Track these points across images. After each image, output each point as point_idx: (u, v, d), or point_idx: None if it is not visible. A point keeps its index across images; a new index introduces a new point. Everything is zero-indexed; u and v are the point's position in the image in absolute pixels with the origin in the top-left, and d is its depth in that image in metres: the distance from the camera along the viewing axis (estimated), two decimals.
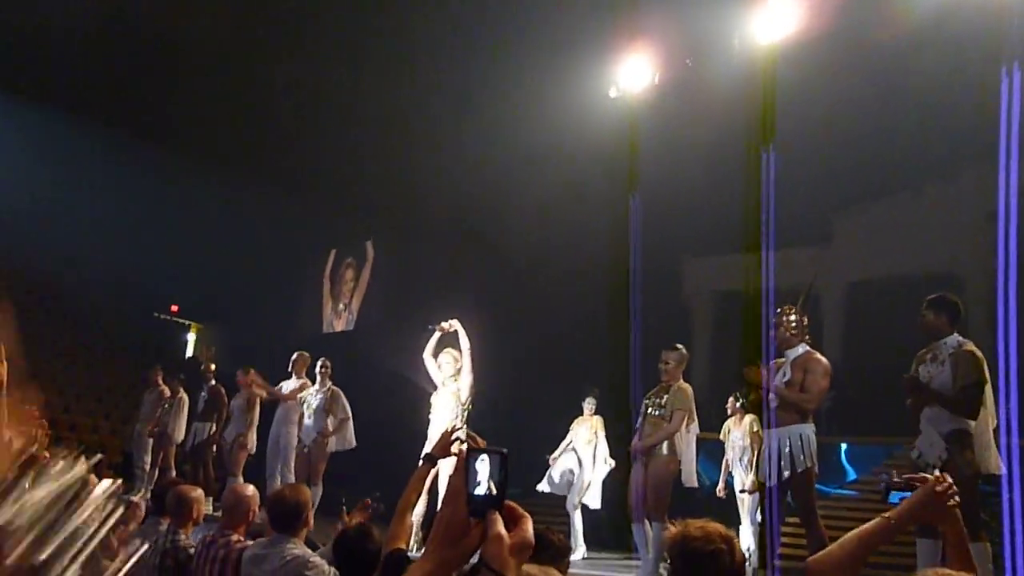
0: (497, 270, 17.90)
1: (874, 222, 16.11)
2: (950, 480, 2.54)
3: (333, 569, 4.20)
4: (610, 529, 10.50)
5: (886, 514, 2.55)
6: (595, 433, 9.80)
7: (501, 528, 1.39)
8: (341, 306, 22.33)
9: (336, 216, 21.08)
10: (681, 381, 7.31)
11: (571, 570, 8.16)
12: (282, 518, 4.33)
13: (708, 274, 17.56)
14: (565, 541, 3.78)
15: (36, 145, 18.96)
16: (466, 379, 7.89)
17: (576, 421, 10.05)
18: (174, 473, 11.21)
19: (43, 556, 1.53)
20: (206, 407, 11.13)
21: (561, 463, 9.84)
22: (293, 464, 9.93)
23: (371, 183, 18.93)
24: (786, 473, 6.03)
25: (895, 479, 2.66)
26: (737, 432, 9.33)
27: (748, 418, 8.92)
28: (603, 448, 9.75)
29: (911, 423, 5.97)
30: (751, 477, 8.74)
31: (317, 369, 10.03)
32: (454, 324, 8.03)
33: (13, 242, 18.44)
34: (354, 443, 10.05)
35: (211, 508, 8.14)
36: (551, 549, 3.48)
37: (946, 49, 11.93)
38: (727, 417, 9.62)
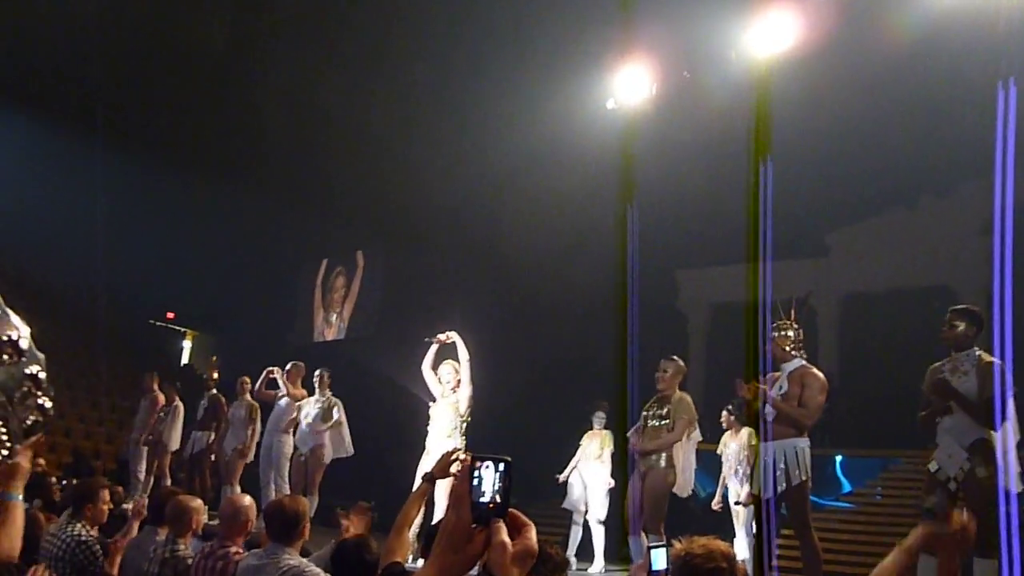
0: (494, 281, 17.90)
1: (869, 235, 16.16)
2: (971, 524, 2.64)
3: None
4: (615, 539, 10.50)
5: (903, 546, 2.62)
6: (603, 448, 9.79)
7: (505, 536, 1.40)
8: (333, 315, 22.32)
9: (331, 225, 21.08)
10: (679, 391, 7.32)
11: None
12: (280, 528, 4.32)
13: (705, 286, 17.60)
14: (563, 554, 3.79)
15: (30, 151, 18.95)
16: (465, 391, 7.88)
17: (586, 436, 10.03)
18: (169, 481, 11.18)
19: None
20: (205, 416, 11.09)
21: (577, 479, 9.88)
22: (287, 473, 9.89)
23: (367, 193, 18.95)
24: (781, 486, 6.03)
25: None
26: (734, 444, 9.33)
27: (745, 431, 8.92)
28: (608, 463, 9.73)
29: (923, 434, 5.94)
30: (746, 489, 8.75)
31: (315, 378, 10.00)
32: (452, 336, 8.02)
33: (6, 247, 18.43)
34: (351, 451, 10.02)
35: (207, 517, 8.12)
36: (549, 563, 3.49)
37: (942, 63, 11.99)
38: (723, 430, 9.62)
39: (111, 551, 5.18)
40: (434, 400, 8.06)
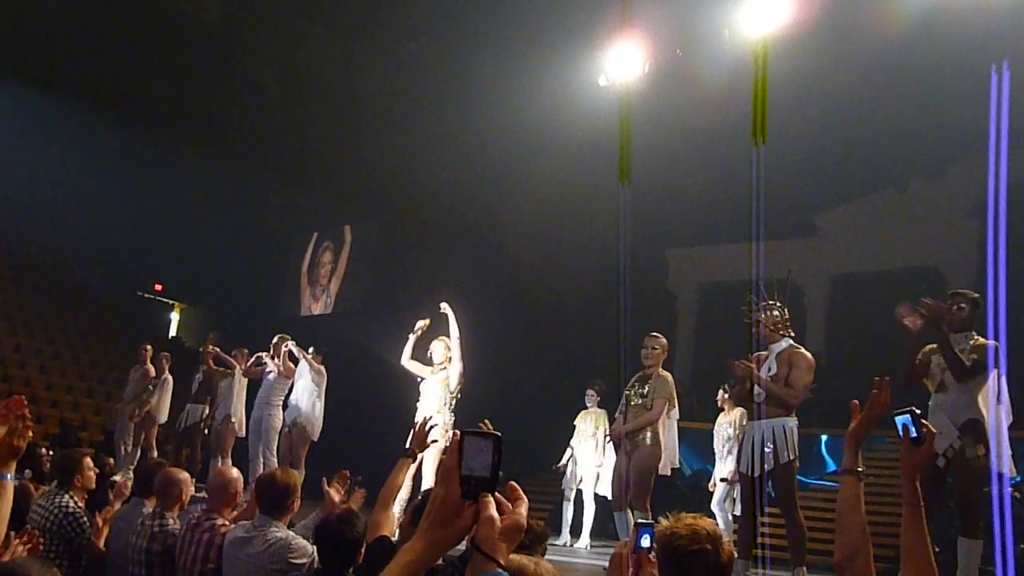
0: (485, 257, 17.89)
1: (860, 216, 16.20)
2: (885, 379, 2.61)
3: (314, 549, 4.21)
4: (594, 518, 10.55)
5: (840, 471, 2.60)
6: (597, 427, 9.81)
7: (493, 511, 1.41)
8: (319, 289, 22.31)
9: (321, 199, 21.04)
10: (661, 369, 7.33)
11: (569, 558, 8.25)
12: (271, 501, 4.32)
13: (694, 265, 17.62)
14: (543, 526, 3.81)
15: (18, 124, 18.82)
16: (455, 367, 7.87)
17: (580, 416, 10.05)
18: (155, 453, 11.18)
19: None
20: (200, 389, 11.09)
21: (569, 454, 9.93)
22: (275, 447, 9.90)
23: (357, 168, 18.90)
24: (769, 465, 6.06)
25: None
26: (724, 422, 9.36)
27: (737, 410, 8.94)
28: (600, 442, 9.76)
29: (901, 387, 5.93)
30: (730, 467, 8.79)
31: (308, 352, 9.97)
32: (445, 308, 7.99)
33: None
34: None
35: (193, 489, 8.13)
36: (529, 533, 3.50)
37: (935, 46, 11.98)
38: (719, 409, 9.64)
39: (98, 525, 5.18)
40: (423, 376, 8.06)
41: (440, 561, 3.41)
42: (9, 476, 3.09)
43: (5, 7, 16.21)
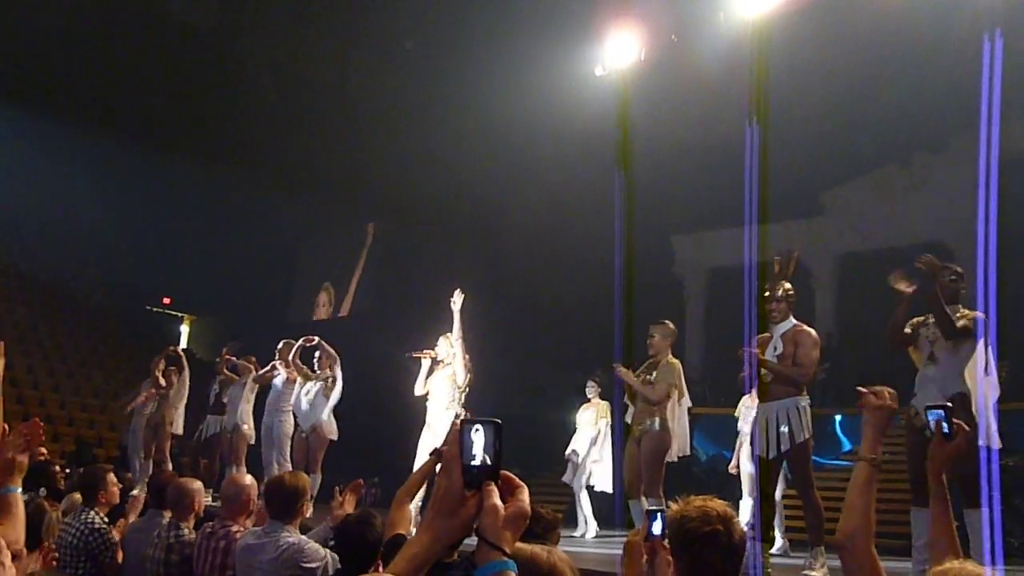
0: (487, 250, 17.89)
1: (864, 193, 16.13)
2: (886, 391, 2.60)
3: (328, 552, 4.20)
4: (612, 506, 10.53)
5: (854, 456, 2.62)
6: (599, 419, 9.78)
7: (497, 499, 1.39)
8: (341, 292, 22.47)
9: (324, 203, 21.05)
10: (670, 356, 7.32)
11: (582, 548, 8.22)
12: (280, 505, 4.31)
13: (700, 250, 17.57)
14: (554, 515, 3.80)
15: (24, 141, 18.86)
16: (459, 362, 7.85)
17: (581, 408, 10.03)
18: (169, 465, 11.18)
19: None
20: (217, 400, 11.07)
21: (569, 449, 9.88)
22: (288, 453, 9.88)
23: (359, 169, 18.88)
24: (785, 446, 6.04)
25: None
26: (750, 407, 9.31)
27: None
28: (607, 432, 9.72)
29: (890, 347, 5.89)
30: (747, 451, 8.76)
31: (315, 356, 9.94)
32: (456, 299, 7.95)
33: (3, 238, 18.39)
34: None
35: (210, 499, 8.14)
36: (541, 522, 3.50)
37: (932, 18, 11.91)
38: (742, 393, 9.58)
39: (115, 539, 5.21)
40: (431, 374, 8.05)
41: (455, 556, 3.41)
42: (17, 489, 3.09)
43: (3, 27, 16.23)
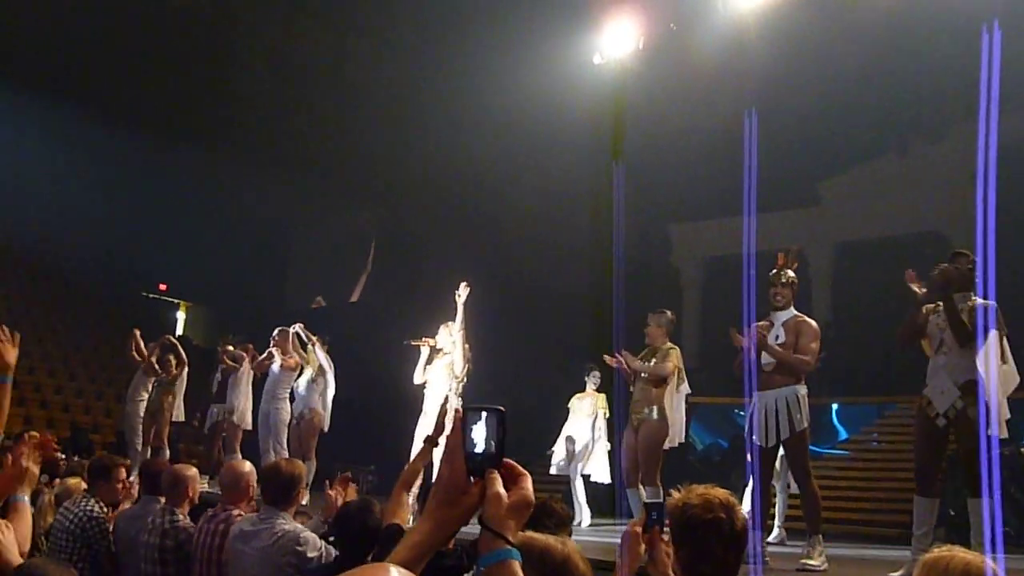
0: (484, 240, 17.87)
1: (861, 183, 16.13)
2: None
3: (323, 543, 4.19)
4: (607, 495, 10.53)
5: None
6: (597, 408, 9.76)
7: (500, 487, 1.38)
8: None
9: (321, 189, 21.00)
10: (669, 343, 7.33)
11: (576, 537, 8.22)
12: (275, 491, 4.29)
13: (699, 239, 17.57)
14: (567, 510, 3.80)
15: (19, 124, 18.78)
16: (458, 352, 7.84)
17: (576, 396, 9.99)
18: (168, 452, 11.19)
19: None
20: (219, 389, 11.07)
21: (561, 438, 9.84)
22: (285, 440, 9.88)
23: (356, 156, 18.84)
24: (784, 434, 6.04)
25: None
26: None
27: None
28: (603, 424, 9.71)
29: (900, 349, 5.88)
30: None
31: (312, 345, 9.93)
32: (462, 291, 7.92)
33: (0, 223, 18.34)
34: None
35: (206, 486, 8.14)
36: (554, 517, 3.49)
37: (930, 8, 11.89)
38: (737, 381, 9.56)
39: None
40: (430, 363, 8.05)
41: (451, 544, 3.40)
42: (24, 498, 3.21)
43: (7, 16, 16.16)
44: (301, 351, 9.98)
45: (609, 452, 9.59)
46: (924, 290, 5.78)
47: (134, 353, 11.37)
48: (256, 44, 17.53)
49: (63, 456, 8.18)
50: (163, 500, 5.04)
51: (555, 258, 16.78)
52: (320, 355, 9.80)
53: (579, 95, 12.98)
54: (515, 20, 14.28)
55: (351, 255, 23.02)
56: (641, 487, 6.94)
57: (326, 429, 9.88)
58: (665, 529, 2.58)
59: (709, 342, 15.99)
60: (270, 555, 4.09)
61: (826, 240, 16.30)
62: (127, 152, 18.94)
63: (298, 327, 9.92)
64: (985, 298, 5.47)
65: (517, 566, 1.35)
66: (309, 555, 4.07)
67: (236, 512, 4.53)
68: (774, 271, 6.39)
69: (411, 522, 4.33)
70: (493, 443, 1.39)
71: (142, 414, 11.17)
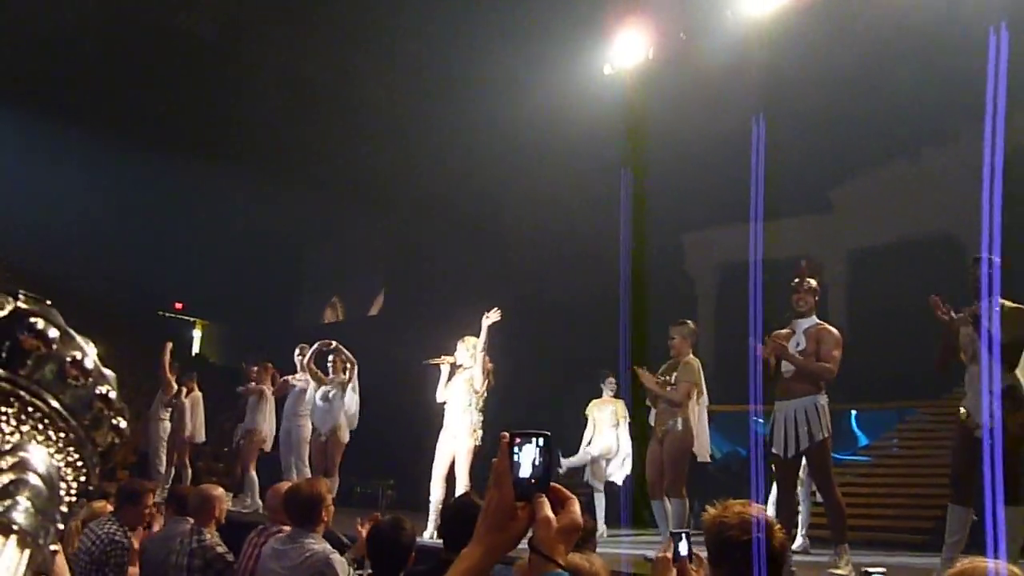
0: (495, 251, 17.89)
1: (873, 188, 16.10)
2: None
3: (351, 569, 4.22)
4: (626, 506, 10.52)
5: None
6: (619, 418, 9.74)
7: (549, 511, 1.39)
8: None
9: (331, 205, 21.07)
10: (690, 356, 7.32)
11: (599, 549, 8.20)
12: (300, 512, 4.32)
13: (712, 247, 17.55)
14: (591, 521, 3.80)
15: (35, 146, 18.91)
16: (478, 367, 7.81)
17: (594, 404, 9.95)
18: (190, 472, 11.23)
19: None
20: (242, 408, 11.09)
21: (583, 448, 9.83)
22: (307, 457, 9.88)
23: (367, 171, 18.90)
24: (804, 444, 6.02)
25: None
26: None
27: None
28: (626, 433, 9.70)
29: (940, 377, 5.83)
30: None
31: (329, 360, 9.92)
32: (492, 316, 7.89)
33: (15, 243, 18.43)
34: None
35: (230, 504, 8.16)
36: (580, 530, 3.49)
37: (938, 12, 11.89)
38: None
39: (134, 548, 5.23)
40: (450, 379, 8.05)
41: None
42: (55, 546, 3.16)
43: (8, 34, 16.26)
44: (314, 368, 9.93)
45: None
46: (950, 315, 5.73)
47: (166, 368, 11.34)
48: (266, 62, 17.58)
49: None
50: (191, 521, 5.07)
51: (567, 268, 16.78)
52: (353, 374, 9.76)
53: (590, 106, 13.01)
54: (524, 32, 14.32)
55: (364, 269, 23.07)
56: (666, 499, 6.93)
57: (345, 441, 9.87)
58: (695, 550, 2.55)
59: (724, 350, 15.96)
60: (299, 574, 4.12)
61: (839, 246, 16.28)
62: (141, 172, 19.07)
63: (334, 345, 9.86)
64: (990, 300, 5.44)
65: None
66: None
67: (275, 529, 4.59)
68: (796, 279, 6.37)
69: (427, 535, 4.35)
70: (540, 468, 1.41)
71: (164, 435, 11.21)
